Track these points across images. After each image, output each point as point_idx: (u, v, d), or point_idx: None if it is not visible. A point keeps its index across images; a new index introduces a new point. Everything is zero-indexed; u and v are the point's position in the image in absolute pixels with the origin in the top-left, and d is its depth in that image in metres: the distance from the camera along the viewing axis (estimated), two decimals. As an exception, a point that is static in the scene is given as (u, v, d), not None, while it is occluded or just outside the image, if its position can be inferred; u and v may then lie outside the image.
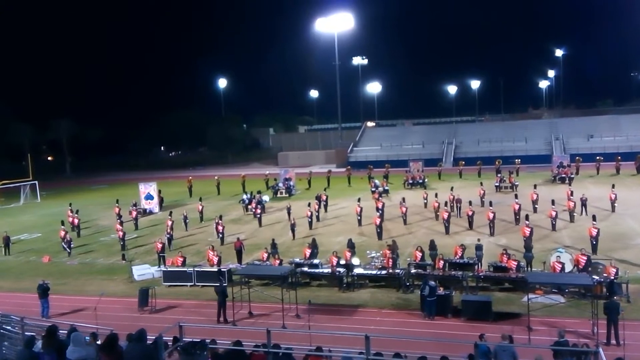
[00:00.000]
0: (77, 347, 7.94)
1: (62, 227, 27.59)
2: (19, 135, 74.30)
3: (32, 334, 9.86)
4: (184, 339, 8.35)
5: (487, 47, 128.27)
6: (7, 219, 37.74)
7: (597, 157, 44.58)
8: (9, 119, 74.54)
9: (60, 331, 9.17)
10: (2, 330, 11.31)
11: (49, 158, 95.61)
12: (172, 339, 9.46)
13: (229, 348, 9.46)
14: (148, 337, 7.98)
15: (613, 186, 29.60)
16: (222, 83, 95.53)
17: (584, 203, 27.72)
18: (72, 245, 26.47)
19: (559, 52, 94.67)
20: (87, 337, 8.94)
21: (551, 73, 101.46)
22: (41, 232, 32.50)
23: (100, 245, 28.28)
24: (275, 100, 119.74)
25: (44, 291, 17.45)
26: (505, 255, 18.18)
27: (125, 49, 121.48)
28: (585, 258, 17.45)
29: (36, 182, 49.35)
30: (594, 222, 21.43)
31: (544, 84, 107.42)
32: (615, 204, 28.03)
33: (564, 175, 39.41)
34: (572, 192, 28.62)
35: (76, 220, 31.09)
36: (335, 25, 64.96)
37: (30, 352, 8.16)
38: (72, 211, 32.66)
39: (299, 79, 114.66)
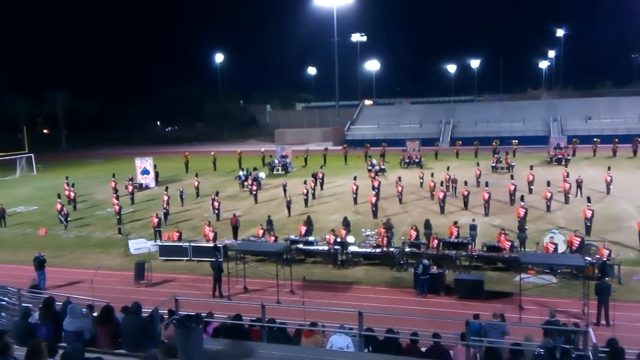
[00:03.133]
0: (73, 318, 8.03)
1: (59, 200, 27.56)
2: (15, 107, 73.56)
3: (29, 305, 9.94)
4: (179, 313, 8.43)
5: (487, 27, 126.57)
6: (3, 191, 37.65)
7: (594, 139, 44.59)
8: (4, 91, 73.66)
9: (57, 303, 9.25)
10: (-1, 302, 11.39)
11: (45, 131, 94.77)
12: (167, 312, 9.55)
13: (227, 322, 9.59)
14: (144, 310, 8.07)
15: (609, 168, 29.70)
16: (219, 58, 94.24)
17: (579, 185, 27.84)
18: (69, 219, 26.50)
19: (559, 32, 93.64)
20: (83, 309, 9.02)
21: (551, 53, 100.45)
22: (37, 205, 32.48)
23: (96, 219, 28.31)
24: (272, 76, 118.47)
25: (40, 263, 17.53)
26: (503, 235, 18.33)
27: (122, 23, 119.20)
28: (579, 239, 17.62)
29: (32, 154, 49.10)
30: (589, 204, 21.55)
31: (543, 65, 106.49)
32: (611, 187, 28.17)
33: (560, 157, 39.51)
34: (567, 174, 28.73)
35: (72, 194, 31.05)
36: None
37: (27, 323, 8.24)
38: (68, 184, 32.61)
39: (296, 56, 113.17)
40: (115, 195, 29.43)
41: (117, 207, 26.39)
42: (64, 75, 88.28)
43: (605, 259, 16.00)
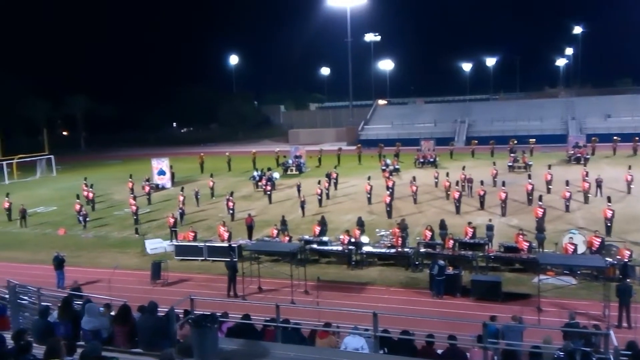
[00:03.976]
0: (91, 317, 8.12)
1: (78, 200, 28.00)
2: (35, 110, 75.04)
3: (48, 304, 10.08)
4: (195, 312, 8.47)
5: (503, 24, 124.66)
6: (23, 192, 38.32)
7: (614, 138, 43.70)
8: (25, 94, 75.19)
9: (75, 302, 9.37)
10: (19, 301, 11.58)
11: (64, 133, 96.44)
12: (183, 311, 9.61)
13: (242, 322, 9.62)
14: (160, 309, 8.13)
15: (629, 167, 29.11)
16: (234, 59, 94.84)
17: (599, 184, 27.31)
18: (87, 219, 26.90)
19: (577, 29, 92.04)
20: (101, 308, 9.12)
21: (569, 51, 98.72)
22: (57, 206, 33.04)
23: (114, 219, 28.69)
24: (286, 77, 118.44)
25: (59, 263, 17.83)
26: (520, 235, 18.07)
27: (138, 25, 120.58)
28: (599, 240, 17.29)
29: (52, 156, 50.00)
30: (609, 204, 21.13)
31: (561, 62, 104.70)
32: (632, 186, 27.57)
33: (579, 156, 38.84)
34: (587, 173, 28.23)
35: (91, 195, 31.51)
36: (348, 0, 63.78)
37: (46, 321, 8.36)
38: (87, 185, 33.13)
39: (310, 56, 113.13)
40: (132, 195, 29.76)
41: (134, 208, 26.70)
42: (82, 78, 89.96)
43: (626, 260, 15.68)
